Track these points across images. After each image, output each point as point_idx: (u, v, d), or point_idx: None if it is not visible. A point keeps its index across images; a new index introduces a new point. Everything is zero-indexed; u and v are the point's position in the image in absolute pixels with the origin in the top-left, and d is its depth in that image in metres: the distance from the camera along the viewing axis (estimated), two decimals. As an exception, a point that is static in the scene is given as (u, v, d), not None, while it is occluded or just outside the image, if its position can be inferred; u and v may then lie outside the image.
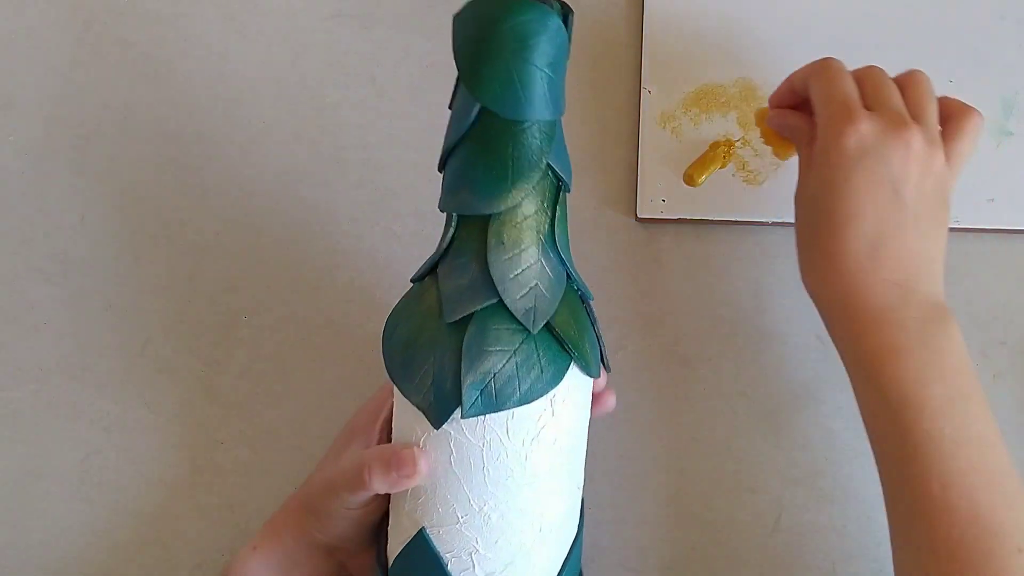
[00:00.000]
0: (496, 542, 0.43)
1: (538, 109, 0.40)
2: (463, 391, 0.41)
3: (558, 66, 0.41)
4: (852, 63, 0.59)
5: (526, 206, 0.42)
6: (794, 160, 0.59)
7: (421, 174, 0.61)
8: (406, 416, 0.44)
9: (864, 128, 0.47)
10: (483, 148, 0.41)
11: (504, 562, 0.44)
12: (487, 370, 0.41)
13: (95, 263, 0.61)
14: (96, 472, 0.59)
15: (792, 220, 0.58)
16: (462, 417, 0.41)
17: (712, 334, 0.59)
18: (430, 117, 0.61)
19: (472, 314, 0.41)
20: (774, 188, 0.58)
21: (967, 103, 0.50)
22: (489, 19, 0.39)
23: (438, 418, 0.42)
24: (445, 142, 0.43)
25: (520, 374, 0.42)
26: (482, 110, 0.40)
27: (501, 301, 0.42)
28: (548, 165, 0.42)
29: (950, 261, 0.58)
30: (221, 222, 0.61)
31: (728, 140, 0.59)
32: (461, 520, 0.43)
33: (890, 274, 0.47)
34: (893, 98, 0.49)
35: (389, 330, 0.44)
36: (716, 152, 0.58)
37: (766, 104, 0.55)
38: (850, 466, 0.57)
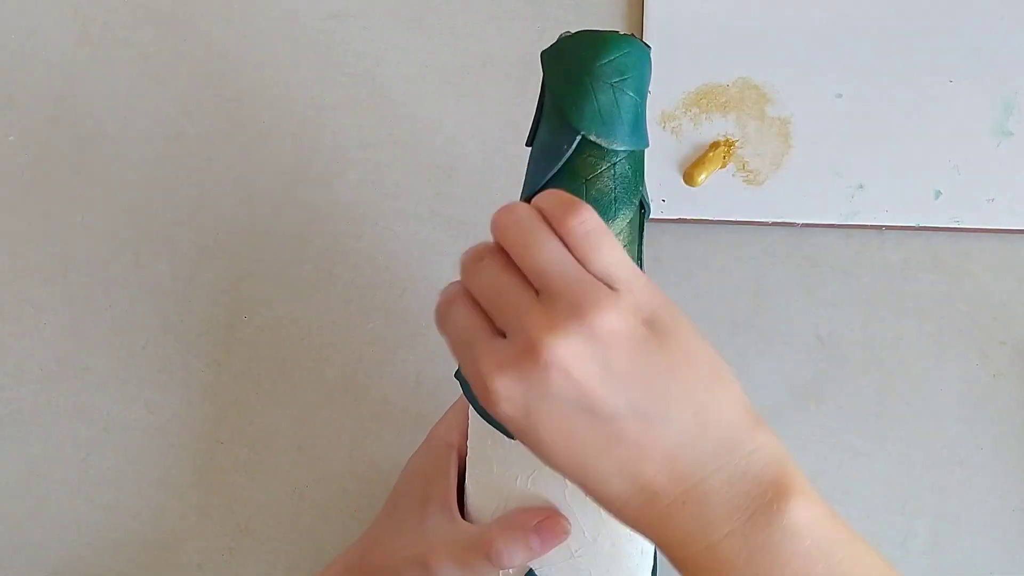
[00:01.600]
0: (608, 570, 0.43)
1: (634, 138, 0.41)
2: None
3: (646, 97, 0.42)
4: (852, 63, 0.59)
5: (625, 234, 0.42)
6: (795, 160, 0.59)
7: (421, 174, 0.61)
8: (507, 468, 0.43)
9: (502, 388, 0.34)
10: (584, 179, 0.41)
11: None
12: None
13: (95, 263, 0.61)
14: (96, 472, 0.59)
15: (792, 220, 0.58)
16: None
17: (712, 334, 0.59)
18: (430, 117, 0.61)
19: None
20: (774, 188, 0.58)
21: (560, 207, 0.36)
22: (589, 55, 0.41)
23: None
24: (534, 177, 0.43)
25: None
26: (582, 142, 0.41)
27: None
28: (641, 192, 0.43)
29: (950, 261, 0.59)
30: (221, 222, 0.61)
31: (728, 140, 0.59)
32: (575, 554, 0.43)
33: (671, 496, 0.34)
34: (510, 293, 0.35)
35: None
36: (716, 152, 0.58)
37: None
38: (850, 466, 0.57)
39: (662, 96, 0.60)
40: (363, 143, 0.61)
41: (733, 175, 0.59)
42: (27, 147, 0.62)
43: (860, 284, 0.58)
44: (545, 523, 0.41)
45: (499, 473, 0.43)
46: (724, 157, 0.58)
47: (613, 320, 0.34)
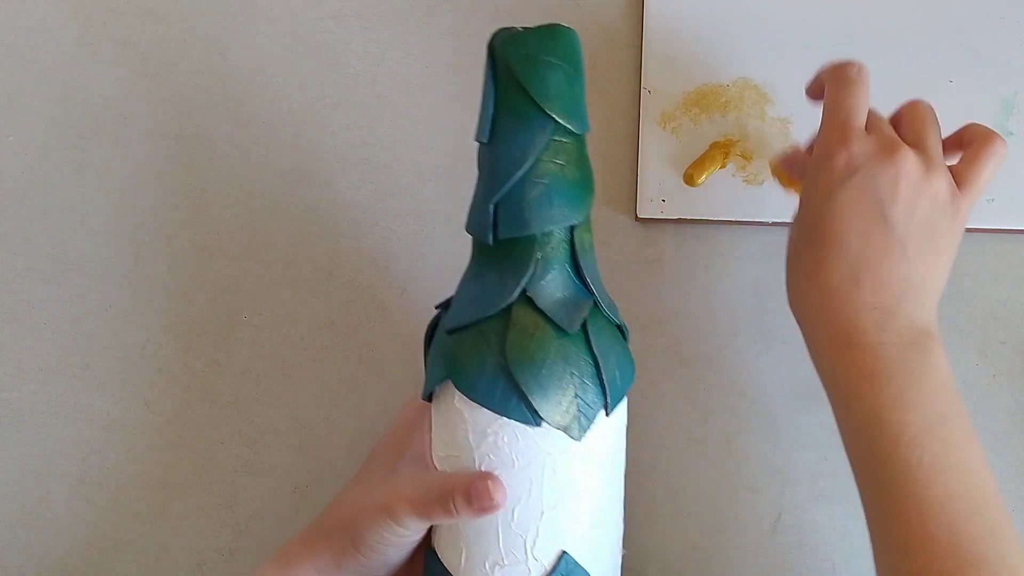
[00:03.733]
0: (616, 542, 0.46)
1: (585, 122, 0.44)
2: (607, 390, 0.43)
3: None
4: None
5: (589, 221, 0.45)
6: (794, 160, 0.59)
7: (421, 174, 0.61)
8: (508, 443, 0.43)
9: (855, 149, 0.46)
10: (562, 164, 0.43)
11: (616, 565, 0.46)
12: (613, 364, 0.44)
13: (95, 263, 0.61)
14: (96, 472, 0.59)
15: (791, 220, 0.58)
16: (607, 415, 0.44)
17: (712, 334, 0.59)
18: (430, 117, 0.61)
19: (584, 320, 0.43)
20: (774, 188, 0.58)
21: (991, 129, 0.49)
22: (558, 46, 0.43)
23: (582, 428, 0.43)
24: (507, 167, 0.43)
25: (622, 365, 0.45)
26: (556, 127, 0.43)
27: (596, 301, 0.44)
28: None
29: (950, 261, 0.59)
30: (221, 222, 0.61)
31: (728, 140, 0.59)
32: (597, 530, 0.44)
33: (871, 298, 0.45)
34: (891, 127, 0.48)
35: (492, 369, 0.43)
36: (716, 152, 0.58)
37: (784, 146, 0.55)
38: (850, 466, 0.57)
39: (662, 96, 0.60)
40: (363, 143, 0.61)
41: (733, 175, 0.59)
42: (27, 147, 0.62)
43: (860, 284, 0.58)
44: (493, 484, 0.42)
45: (444, 429, 0.44)
46: (724, 157, 0.58)
47: (943, 189, 0.47)
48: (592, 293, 0.44)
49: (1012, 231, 0.58)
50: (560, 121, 0.42)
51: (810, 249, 0.47)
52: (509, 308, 0.43)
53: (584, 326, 0.43)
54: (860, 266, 0.45)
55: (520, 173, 0.43)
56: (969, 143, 0.49)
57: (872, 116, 0.48)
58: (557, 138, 0.43)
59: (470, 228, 0.45)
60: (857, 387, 0.44)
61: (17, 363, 0.60)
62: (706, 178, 0.58)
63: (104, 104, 0.62)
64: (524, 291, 0.43)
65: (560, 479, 0.43)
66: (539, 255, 0.43)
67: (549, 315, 0.43)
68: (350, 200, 0.61)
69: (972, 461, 0.43)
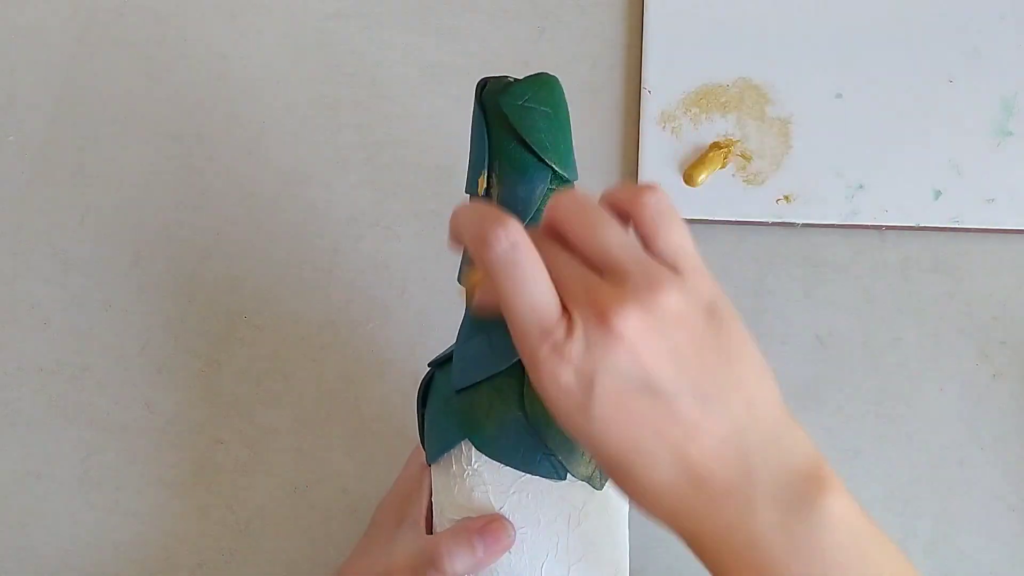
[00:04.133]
0: None
1: (576, 170, 0.44)
2: None
3: None
4: (852, 63, 0.59)
5: None
6: (795, 160, 0.59)
7: (421, 174, 0.61)
8: (533, 500, 0.42)
9: (573, 355, 0.33)
10: None
11: None
12: None
13: (95, 263, 0.61)
14: (96, 472, 0.59)
15: (792, 220, 0.58)
16: None
17: (712, 334, 0.59)
18: (430, 117, 0.61)
19: None
20: (774, 188, 0.58)
21: (633, 188, 0.36)
22: (551, 97, 0.42)
23: (604, 478, 0.42)
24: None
25: None
26: (553, 179, 0.42)
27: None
28: None
29: (950, 261, 0.59)
30: (221, 222, 0.61)
31: (728, 140, 0.59)
32: (617, 573, 0.44)
33: (715, 488, 0.34)
34: (573, 267, 0.34)
35: (514, 425, 0.42)
36: (716, 152, 0.58)
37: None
38: (850, 466, 0.57)
39: (662, 96, 0.60)
40: (363, 143, 0.61)
41: (733, 175, 0.59)
42: (27, 147, 0.62)
43: (860, 284, 0.58)
44: (489, 527, 0.41)
45: (458, 493, 0.43)
46: (724, 157, 0.58)
47: (680, 302, 0.34)
48: None
49: (1012, 231, 0.58)
50: (557, 170, 0.42)
51: (616, 478, 0.35)
52: (520, 361, 0.42)
53: None
54: (678, 460, 0.34)
55: (523, 224, 0.42)
56: (627, 215, 0.36)
57: (546, 227, 0.35)
58: (554, 187, 0.42)
59: (464, 280, 0.44)
60: None
61: (17, 363, 0.60)
62: (706, 178, 0.58)
63: (104, 104, 0.62)
64: None
65: (584, 531, 0.42)
66: None
67: None
68: (350, 200, 0.61)
69: None
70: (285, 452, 0.59)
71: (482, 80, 0.44)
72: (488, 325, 0.43)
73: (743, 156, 0.59)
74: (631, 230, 0.35)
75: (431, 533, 0.45)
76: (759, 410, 0.35)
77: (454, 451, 0.43)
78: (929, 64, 0.59)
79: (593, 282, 0.34)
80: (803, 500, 0.34)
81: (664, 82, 0.60)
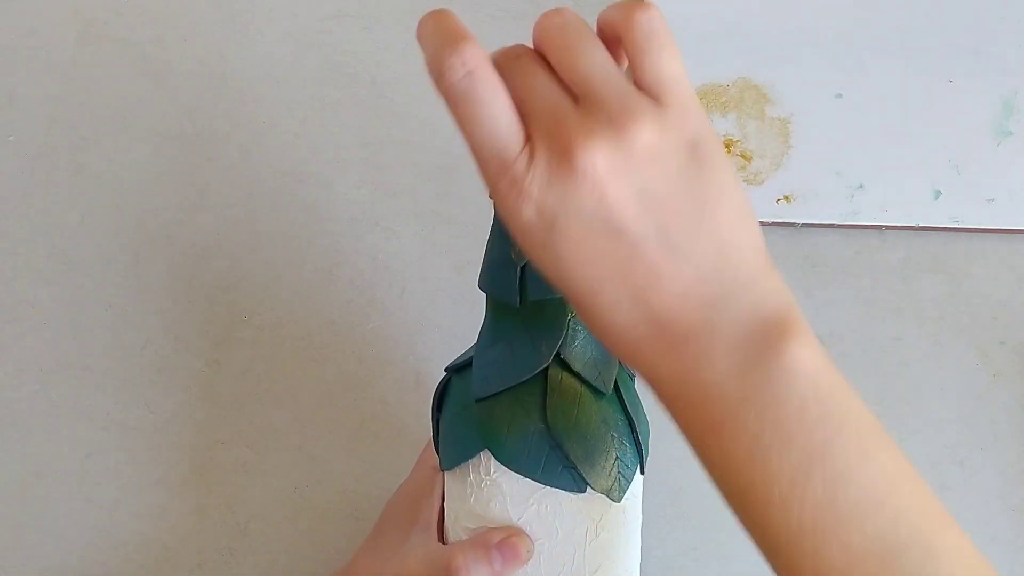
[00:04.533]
0: None
1: None
2: (643, 448, 0.43)
3: None
4: (852, 63, 0.59)
5: None
6: (795, 160, 0.59)
7: (421, 174, 0.61)
8: (551, 512, 0.42)
9: (533, 190, 0.31)
10: None
11: None
12: (642, 421, 0.44)
13: (95, 263, 0.61)
14: (96, 472, 0.59)
15: (792, 220, 0.58)
16: (642, 473, 0.44)
17: (712, 334, 0.59)
18: (430, 117, 0.61)
19: (615, 381, 0.43)
20: (774, 188, 0.58)
21: (624, 6, 0.33)
22: None
23: (622, 490, 0.42)
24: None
25: (644, 419, 0.44)
26: None
27: (619, 361, 0.44)
28: None
29: (950, 261, 0.59)
30: (221, 222, 0.61)
31: (728, 140, 0.59)
32: None
33: (675, 330, 0.32)
34: (546, 94, 0.32)
35: (535, 437, 0.42)
36: (716, 152, 0.58)
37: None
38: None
39: (662, 96, 0.60)
40: (363, 143, 0.61)
41: (733, 175, 0.59)
42: (27, 147, 0.62)
43: (860, 284, 0.58)
44: (507, 541, 0.41)
45: (475, 502, 0.43)
46: (724, 157, 0.58)
47: (655, 137, 0.31)
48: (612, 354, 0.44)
49: (1012, 231, 0.58)
50: None
51: (583, 315, 0.34)
52: (543, 372, 0.42)
53: (616, 386, 0.43)
54: (640, 302, 0.32)
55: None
56: (617, 41, 0.34)
57: (525, 97, 0.32)
58: None
59: (489, 288, 0.44)
60: (708, 449, 0.34)
61: (17, 363, 0.60)
62: (706, 178, 0.58)
63: (104, 104, 0.62)
64: (558, 353, 0.42)
65: (601, 542, 0.42)
66: (571, 315, 0.42)
67: (585, 377, 0.42)
68: (350, 200, 0.61)
69: (877, 486, 0.32)
70: (285, 452, 0.59)
71: None
72: (510, 333, 0.43)
73: (743, 156, 0.59)
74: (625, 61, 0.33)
75: (442, 538, 0.45)
76: (730, 257, 0.32)
77: (472, 461, 0.43)
78: (929, 64, 0.59)
79: (564, 110, 0.31)
80: (762, 348, 0.32)
81: (664, 82, 0.60)
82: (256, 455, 0.59)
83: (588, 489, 0.42)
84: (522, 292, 0.42)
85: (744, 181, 0.58)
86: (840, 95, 0.59)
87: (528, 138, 0.31)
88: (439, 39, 0.33)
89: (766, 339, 0.32)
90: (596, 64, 0.32)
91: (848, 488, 0.31)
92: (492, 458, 0.42)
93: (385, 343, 0.59)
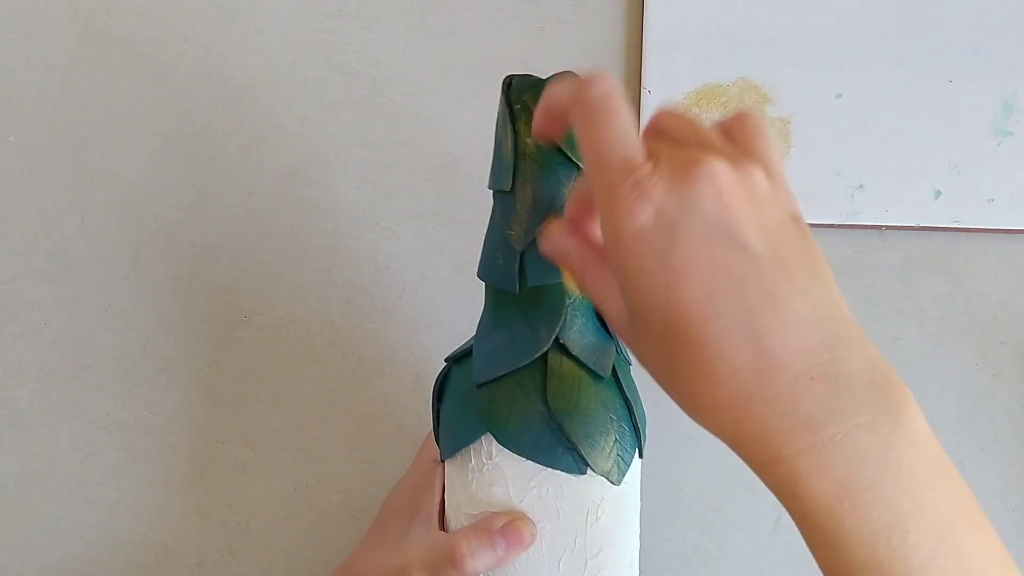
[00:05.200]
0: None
1: None
2: (640, 432, 0.44)
3: None
4: (852, 63, 0.59)
5: None
6: (795, 160, 0.59)
7: (421, 174, 0.61)
8: (552, 495, 0.43)
9: (654, 190, 0.31)
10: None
11: None
12: (639, 405, 0.44)
13: (95, 263, 0.61)
14: (96, 472, 0.59)
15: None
16: (640, 457, 0.44)
17: (712, 334, 0.59)
18: (430, 117, 0.61)
19: (613, 365, 0.43)
20: (774, 188, 0.58)
21: (737, 112, 0.36)
22: None
23: (621, 472, 0.43)
24: (528, 220, 0.43)
25: (641, 404, 0.45)
26: (579, 176, 0.42)
27: (617, 345, 0.44)
28: None
29: (950, 261, 0.59)
30: (221, 222, 0.61)
31: (728, 140, 0.59)
32: (631, 572, 0.45)
33: (796, 364, 0.31)
34: (683, 128, 0.35)
35: (537, 420, 0.42)
36: (716, 152, 0.58)
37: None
38: None
39: (662, 96, 0.60)
40: (363, 143, 0.61)
41: (733, 175, 0.59)
42: (27, 147, 0.62)
43: (860, 284, 0.58)
44: (511, 525, 0.41)
45: (476, 488, 0.43)
46: (724, 157, 0.58)
47: (768, 188, 0.33)
48: (612, 336, 0.44)
49: (1012, 231, 0.58)
50: (582, 167, 0.42)
51: (681, 350, 0.32)
52: (543, 356, 0.42)
53: (614, 370, 0.43)
54: (755, 328, 0.31)
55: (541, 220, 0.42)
56: (728, 131, 0.36)
57: (649, 130, 0.36)
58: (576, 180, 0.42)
59: (488, 277, 0.44)
60: (836, 520, 0.31)
61: (17, 363, 0.60)
62: (706, 178, 0.58)
63: (104, 104, 0.62)
64: (557, 338, 0.42)
65: (601, 525, 0.42)
66: (569, 301, 0.43)
67: (583, 361, 0.42)
68: (350, 200, 0.61)
69: (992, 564, 0.31)
70: (285, 452, 0.59)
71: (508, 78, 0.44)
72: (509, 320, 0.43)
73: (743, 156, 0.59)
74: None
75: (443, 528, 0.45)
76: (839, 309, 0.32)
77: (473, 445, 0.43)
78: (929, 64, 0.59)
79: (688, 143, 0.34)
80: (894, 408, 0.30)
81: (664, 82, 0.60)
82: (256, 455, 0.59)
83: (588, 471, 0.42)
84: (521, 279, 0.42)
85: (744, 181, 0.58)
86: (840, 95, 0.59)
87: (652, 155, 0.33)
88: (577, 76, 0.36)
89: (896, 400, 0.31)
90: (712, 137, 0.34)
91: (971, 562, 0.30)
92: (494, 442, 0.42)
93: (385, 343, 0.59)
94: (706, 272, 0.31)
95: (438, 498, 0.46)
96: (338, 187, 0.61)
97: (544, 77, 0.43)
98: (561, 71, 0.43)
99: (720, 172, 0.32)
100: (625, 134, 0.33)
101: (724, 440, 0.33)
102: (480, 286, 0.46)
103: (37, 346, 0.60)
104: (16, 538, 0.58)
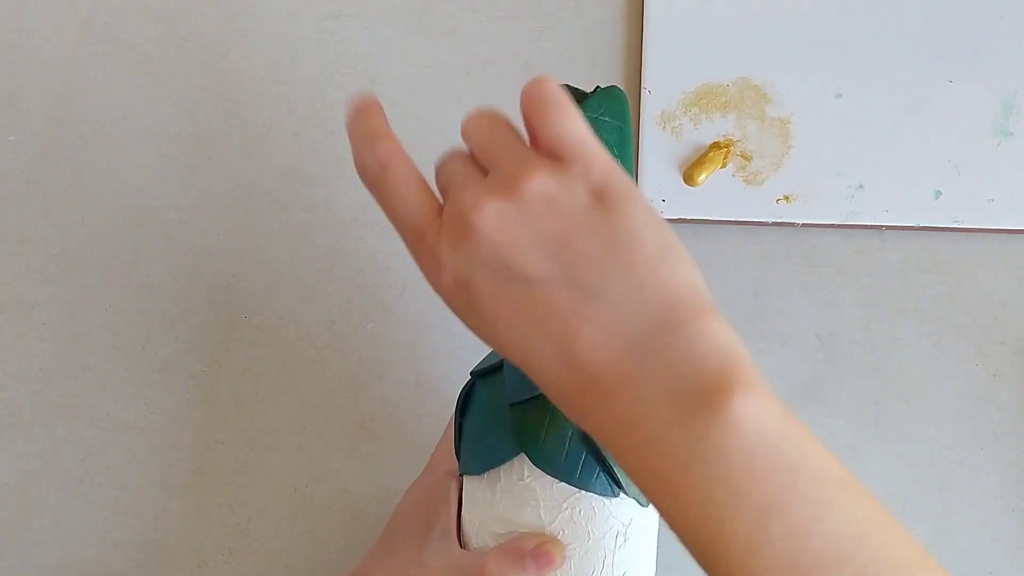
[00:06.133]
0: None
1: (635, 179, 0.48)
2: None
3: None
4: (852, 63, 0.59)
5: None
6: (795, 160, 0.59)
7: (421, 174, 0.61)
8: (584, 517, 0.42)
9: (443, 256, 0.34)
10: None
11: None
12: None
13: (95, 263, 0.61)
14: (96, 472, 0.59)
15: (792, 220, 0.58)
16: None
17: (712, 334, 0.59)
18: (430, 117, 0.61)
19: None
20: (774, 188, 0.58)
21: (524, 86, 0.35)
22: (612, 107, 0.45)
23: None
24: None
25: None
26: None
27: None
28: None
29: (950, 261, 0.59)
30: (221, 222, 0.61)
31: (728, 140, 0.59)
32: None
33: (608, 378, 0.32)
34: (478, 139, 0.35)
35: (572, 441, 0.41)
36: (716, 152, 0.58)
37: None
38: (850, 466, 0.57)
39: (662, 96, 0.60)
40: (363, 143, 0.61)
41: (733, 175, 0.59)
42: (27, 147, 0.62)
43: (860, 284, 0.58)
44: (542, 547, 0.40)
45: (505, 507, 0.42)
46: (724, 157, 0.58)
47: (550, 188, 0.33)
48: None
49: (1012, 231, 0.58)
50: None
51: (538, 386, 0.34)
52: None
53: None
54: (564, 353, 0.32)
55: None
56: (524, 114, 0.35)
57: (444, 179, 0.36)
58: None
59: None
60: (663, 504, 0.32)
61: (17, 363, 0.60)
62: (706, 178, 0.58)
63: (104, 104, 0.62)
64: None
65: (629, 547, 0.42)
66: None
67: None
68: (350, 200, 0.61)
69: (842, 538, 0.30)
70: (285, 452, 0.59)
71: None
72: None
73: (743, 156, 0.59)
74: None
75: (461, 545, 0.44)
76: (652, 294, 0.32)
77: (504, 465, 0.42)
78: (929, 64, 0.59)
79: (470, 183, 0.34)
80: (704, 399, 0.31)
81: (664, 82, 0.60)
82: (256, 455, 0.59)
83: (621, 494, 0.42)
84: None
85: (744, 181, 0.58)
86: (840, 95, 0.59)
87: (440, 212, 0.35)
88: (360, 138, 0.36)
89: (706, 389, 0.31)
90: (498, 141, 0.35)
91: (809, 541, 0.30)
92: (526, 462, 0.41)
93: (385, 343, 0.59)
94: (509, 315, 0.33)
95: (453, 513, 0.45)
96: (338, 187, 0.61)
97: (582, 89, 0.44)
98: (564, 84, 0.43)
99: (487, 212, 0.33)
100: (407, 201, 0.35)
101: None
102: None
103: (37, 346, 0.60)
104: (16, 538, 0.58)
